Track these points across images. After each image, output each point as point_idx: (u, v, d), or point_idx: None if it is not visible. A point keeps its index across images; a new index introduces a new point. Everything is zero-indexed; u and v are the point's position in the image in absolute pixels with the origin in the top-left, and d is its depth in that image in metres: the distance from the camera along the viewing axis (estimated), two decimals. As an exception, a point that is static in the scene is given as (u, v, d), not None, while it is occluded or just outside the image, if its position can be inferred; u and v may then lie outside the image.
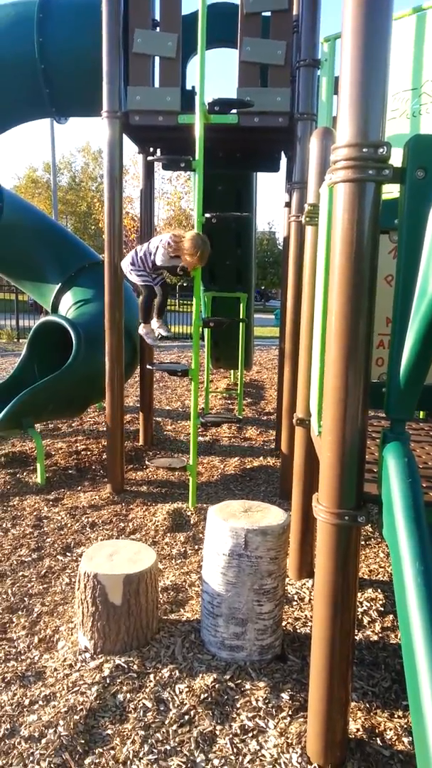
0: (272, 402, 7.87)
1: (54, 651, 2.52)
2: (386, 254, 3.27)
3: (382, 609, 2.88)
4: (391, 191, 2.08)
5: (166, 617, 2.75)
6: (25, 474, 4.80)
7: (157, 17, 4.30)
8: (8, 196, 5.74)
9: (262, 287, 35.74)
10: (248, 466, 5.17)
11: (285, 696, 2.22)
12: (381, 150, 1.62)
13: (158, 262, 4.01)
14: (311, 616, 2.74)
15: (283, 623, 2.68)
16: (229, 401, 8.13)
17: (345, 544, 1.78)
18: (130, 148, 4.79)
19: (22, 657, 2.48)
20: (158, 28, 4.27)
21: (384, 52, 1.61)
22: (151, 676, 2.31)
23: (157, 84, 4.19)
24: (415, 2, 3.21)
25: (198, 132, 3.78)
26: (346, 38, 1.63)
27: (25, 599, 2.95)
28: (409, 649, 1.33)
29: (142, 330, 4.41)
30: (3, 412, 4.43)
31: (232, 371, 9.42)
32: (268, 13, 4.02)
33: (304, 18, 3.94)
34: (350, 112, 1.64)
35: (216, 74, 18.56)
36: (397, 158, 1.67)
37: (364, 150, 1.62)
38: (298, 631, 2.69)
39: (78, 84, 4.97)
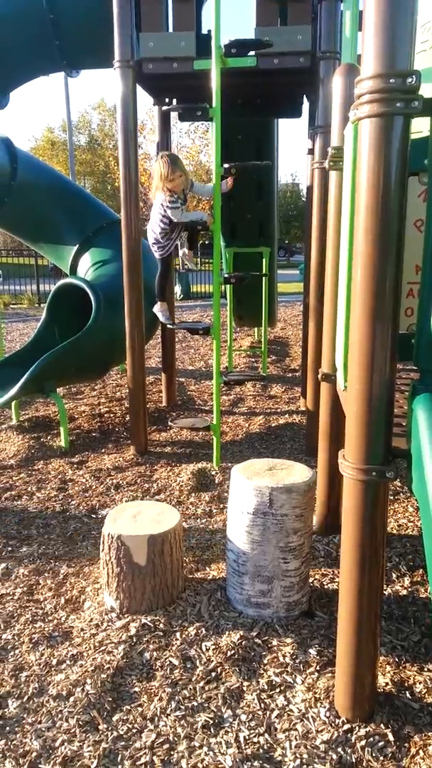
0: (297, 359, 7.77)
1: (80, 611, 2.54)
2: (415, 197, 3.10)
3: (411, 564, 2.84)
4: (420, 130, 1.94)
5: (192, 576, 2.75)
6: (48, 438, 4.81)
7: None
8: (22, 156, 5.62)
9: (286, 242, 35.06)
10: (273, 424, 5.12)
11: (312, 651, 2.20)
12: (410, 80, 1.49)
13: (174, 218, 3.90)
14: (339, 573, 2.71)
15: (311, 580, 2.65)
16: (253, 359, 8.04)
17: (372, 500, 1.72)
18: (145, 100, 4.62)
19: (49, 618, 2.50)
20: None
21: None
22: (177, 634, 2.31)
23: (170, 29, 3.99)
24: None
25: (214, 78, 3.61)
26: None
27: (51, 561, 2.97)
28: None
29: (157, 308, 4.34)
30: (25, 377, 4.42)
31: (255, 329, 9.30)
32: None
33: None
34: (375, 40, 1.51)
35: (233, 15, 17.69)
36: (427, 93, 1.54)
37: (391, 81, 1.50)
38: (326, 587, 2.66)
39: (88, 34, 4.77)
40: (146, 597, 2.44)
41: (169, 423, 4.53)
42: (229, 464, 4.10)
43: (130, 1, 3.86)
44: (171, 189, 3.87)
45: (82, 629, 2.39)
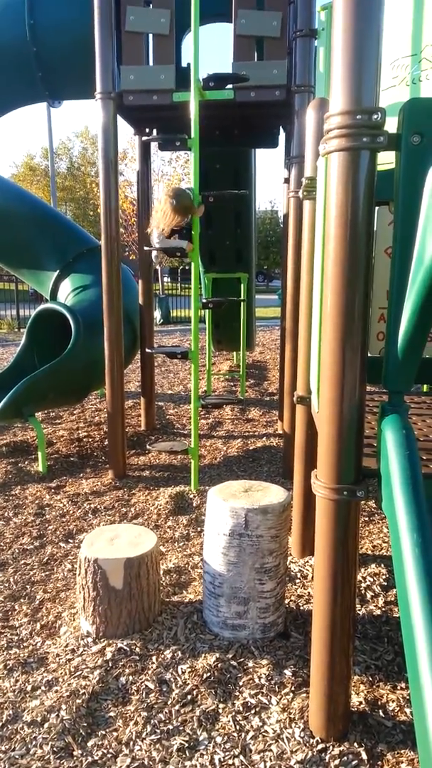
0: (275, 382, 7.84)
1: (56, 637, 2.52)
2: (386, 226, 3.21)
3: (385, 584, 2.87)
4: (390, 161, 2.03)
5: (168, 599, 2.74)
6: (26, 463, 4.79)
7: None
8: (2, 183, 5.68)
9: (265, 267, 35.52)
10: (251, 447, 5.15)
11: (288, 672, 2.21)
12: (375, 116, 1.57)
13: (154, 243, 3.97)
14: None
15: (286, 601, 2.67)
16: (231, 383, 8.10)
17: (344, 519, 1.75)
18: (127, 130, 4.73)
19: (25, 644, 2.47)
20: (151, 5, 4.18)
21: (376, 15, 1.55)
22: (154, 657, 2.31)
23: (151, 62, 4.11)
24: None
25: (193, 110, 3.71)
26: (337, 2, 1.57)
27: (27, 587, 2.95)
28: (408, 620, 1.31)
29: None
30: (3, 402, 4.41)
31: (234, 353, 9.38)
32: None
33: (299, -13, 3.85)
34: (343, 78, 1.59)
35: (211, 50, 18.30)
36: (395, 126, 1.62)
37: (357, 117, 1.58)
38: (302, 608, 2.68)
39: (71, 66, 4.88)
40: (122, 621, 2.43)
41: (148, 447, 4.54)
42: (207, 487, 4.10)
43: (112, 36, 3.98)
44: (174, 226, 3.88)
45: (57, 655, 2.37)
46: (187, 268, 16.81)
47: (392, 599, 2.73)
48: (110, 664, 2.27)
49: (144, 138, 4.30)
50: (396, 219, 1.65)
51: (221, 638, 2.43)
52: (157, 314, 15.48)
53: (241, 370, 7.24)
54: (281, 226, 5.74)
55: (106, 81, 4.01)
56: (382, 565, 3.03)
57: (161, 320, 16.11)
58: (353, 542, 1.80)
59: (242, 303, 6.57)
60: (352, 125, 1.58)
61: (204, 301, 4.54)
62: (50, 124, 18.88)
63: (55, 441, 5.36)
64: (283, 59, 3.91)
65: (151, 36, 4.08)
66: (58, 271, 5.81)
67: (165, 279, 23.47)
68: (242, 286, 6.63)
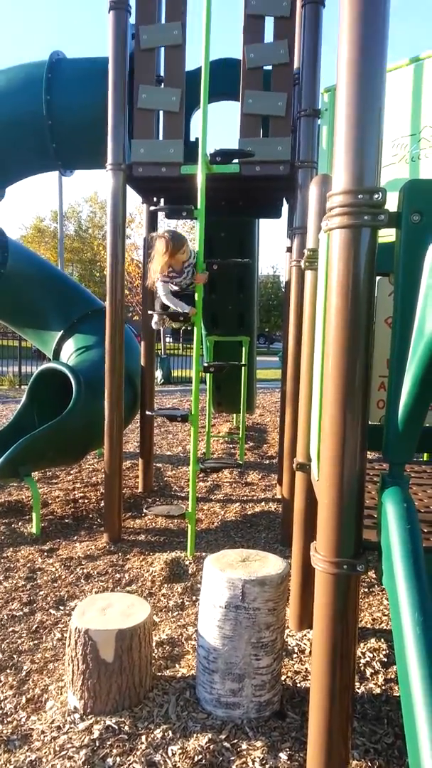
0: (275, 446, 7.80)
1: (42, 712, 2.40)
2: (387, 297, 3.27)
3: (385, 660, 2.76)
4: (390, 234, 2.09)
5: (160, 673, 2.63)
6: (20, 524, 4.70)
7: (162, 73, 4.44)
8: (13, 246, 5.83)
9: (266, 330, 36.02)
10: (249, 512, 5.07)
11: (283, 756, 2.10)
12: (376, 196, 1.62)
13: (164, 300, 4.01)
14: (312, 673, 2.63)
15: (283, 677, 2.56)
16: (231, 445, 8.06)
17: (344, 594, 1.70)
18: (135, 197, 4.89)
19: (9, 719, 2.35)
20: (162, 84, 4.40)
21: (378, 101, 1.62)
22: (143, 737, 2.19)
23: (160, 137, 4.30)
24: (411, 53, 3.33)
25: (200, 182, 3.85)
26: (341, 88, 1.66)
27: (15, 656, 2.83)
28: (408, 702, 1.25)
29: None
30: (0, 460, 4.37)
31: (234, 415, 9.37)
32: (269, 67, 4.15)
33: (304, 70, 4.07)
34: (345, 159, 1.65)
35: (218, 125, 19.12)
36: (395, 203, 1.67)
37: (359, 196, 1.63)
38: (299, 685, 2.57)
39: (83, 139, 5.10)
40: (112, 696, 2.32)
41: (144, 510, 4.47)
42: (204, 553, 4.02)
43: (124, 112, 4.17)
44: (172, 265, 3.96)
45: (42, 731, 2.26)
46: (188, 329, 17.04)
47: (392, 676, 2.62)
48: (97, 744, 2.15)
49: (152, 208, 4.44)
50: (396, 292, 1.68)
51: (214, 717, 2.32)
52: (158, 374, 15.57)
53: (240, 433, 7.21)
54: (282, 290, 5.84)
55: (117, 153, 4.18)
56: (382, 640, 2.93)
57: (162, 380, 16.19)
58: (353, 616, 1.74)
59: (243, 367, 6.61)
60: (353, 204, 1.63)
61: (206, 365, 4.57)
62: (61, 190, 19.58)
63: (50, 501, 5.28)
64: (288, 136, 4.09)
65: (161, 113, 4.28)
66: (62, 331, 5.89)
67: (167, 339, 23.76)
68: (243, 349, 6.69)
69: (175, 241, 3.89)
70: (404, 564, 1.42)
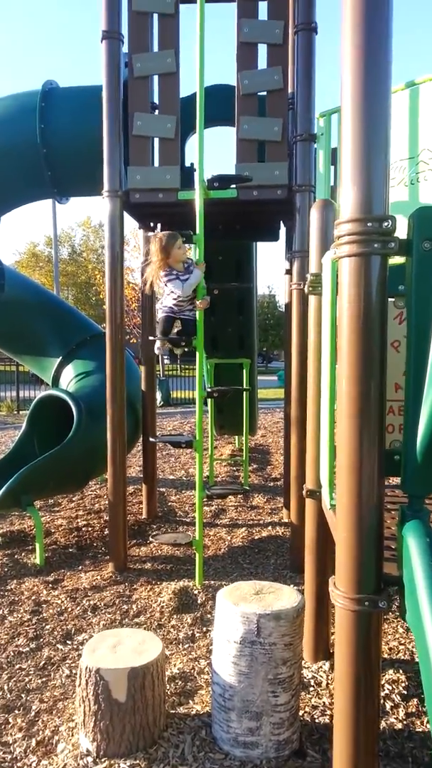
0: (278, 467, 7.74)
1: (53, 755, 2.32)
2: (391, 320, 3.25)
3: (405, 692, 2.69)
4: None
5: (174, 711, 2.56)
6: (23, 554, 4.63)
7: (156, 100, 4.46)
8: (9, 272, 5.83)
9: (264, 349, 36.11)
10: (256, 537, 5.00)
11: (307, 802, 2.03)
12: (386, 223, 1.60)
13: (183, 294, 3.89)
14: (330, 703, 2.56)
15: (300, 713, 2.48)
16: (234, 468, 7.99)
17: (366, 630, 1.66)
18: (131, 220, 4.89)
19: (18, 764, 2.28)
20: (157, 111, 4.43)
21: (384, 127, 1.61)
22: (160, 782, 2.12)
23: (156, 163, 4.31)
24: (407, 77, 3.36)
25: (198, 209, 3.85)
26: (346, 116, 1.64)
27: (23, 695, 2.76)
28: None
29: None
30: (1, 491, 4.31)
31: (236, 437, 9.32)
32: (264, 92, 4.18)
33: (299, 95, 4.09)
34: (353, 186, 1.63)
35: (214, 150, 19.30)
36: (398, 226, 1.66)
37: (368, 224, 1.61)
38: (317, 720, 2.50)
39: (78, 166, 5.12)
40: (125, 738, 2.25)
41: (150, 538, 4.41)
42: (212, 581, 3.95)
43: (120, 139, 4.19)
44: (170, 264, 3.87)
45: (54, 778, 2.18)
46: (186, 350, 17.03)
47: (414, 710, 2.55)
48: (112, 790, 2.08)
49: (149, 233, 4.44)
50: (409, 321, 1.66)
51: (232, 757, 2.25)
52: (157, 396, 15.52)
53: (244, 456, 7.15)
54: (280, 309, 5.83)
55: (113, 180, 4.18)
56: (401, 671, 2.85)
57: (161, 402, 16.13)
58: (376, 653, 1.69)
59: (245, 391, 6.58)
60: (362, 232, 1.61)
61: (209, 390, 4.54)
62: (55, 217, 19.71)
63: (53, 530, 5.20)
64: (285, 161, 4.10)
65: (156, 140, 4.30)
66: (60, 358, 5.87)
67: (165, 360, 23.75)
68: (245, 371, 6.66)
69: (168, 237, 3.82)
70: (431, 602, 1.38)
